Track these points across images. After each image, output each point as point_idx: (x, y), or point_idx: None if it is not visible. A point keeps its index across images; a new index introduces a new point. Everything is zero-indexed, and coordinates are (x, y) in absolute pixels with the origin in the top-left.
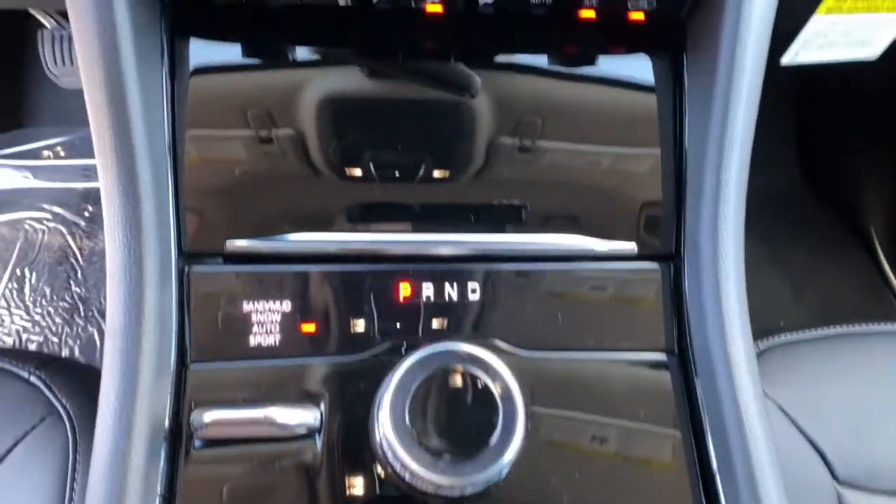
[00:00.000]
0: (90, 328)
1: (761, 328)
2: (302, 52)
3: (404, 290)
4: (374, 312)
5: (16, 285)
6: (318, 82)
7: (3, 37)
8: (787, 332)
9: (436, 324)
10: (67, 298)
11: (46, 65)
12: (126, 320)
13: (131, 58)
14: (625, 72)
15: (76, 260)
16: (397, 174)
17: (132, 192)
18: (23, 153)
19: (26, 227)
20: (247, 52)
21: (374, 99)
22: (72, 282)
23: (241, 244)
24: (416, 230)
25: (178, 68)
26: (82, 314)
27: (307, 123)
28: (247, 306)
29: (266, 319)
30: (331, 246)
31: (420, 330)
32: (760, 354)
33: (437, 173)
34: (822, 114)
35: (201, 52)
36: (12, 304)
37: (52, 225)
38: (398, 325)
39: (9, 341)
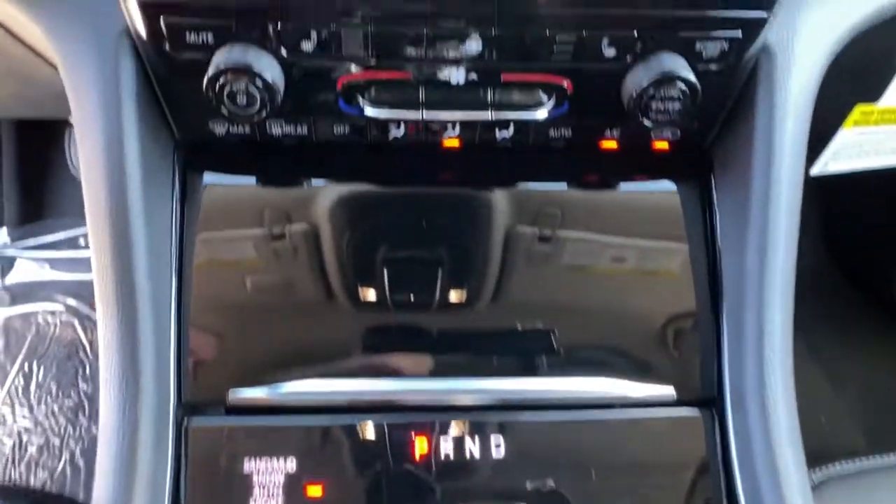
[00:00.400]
0: (94, 428)
1: (812, 447)
2: (315, 186)
3: (420, 446)
4: (388, 474)
5: (22, 381)
6: (330, 220)
7: (33, 133)
8: (843, 461)
9: (456, 488)
10: (73, 395)
11: (71, 161)
12: (115, 487)
13: (139, 201)
14: (649, 196)
15: (85, 354)
16: (411, 312)
17: (132, 343)
18: (42, 245)
19: (39, 319)
20: (259, 187)
21: (386, 234)
22: (79, 378)
23: (244, 395)
24: (432, 375)
25: (188, 206)
26: (86, 412)
27: (318, 264)
28: (248, 465)
29: (268, 481)
30: (340, 396)
31: (439, 496)
32: (816, 488)
33: (453, 310)
34: (848, 197)
35: (214, 187)
36: (16, 401)
37: (64, 318)
38: (414, 489)
39: (8, 443)
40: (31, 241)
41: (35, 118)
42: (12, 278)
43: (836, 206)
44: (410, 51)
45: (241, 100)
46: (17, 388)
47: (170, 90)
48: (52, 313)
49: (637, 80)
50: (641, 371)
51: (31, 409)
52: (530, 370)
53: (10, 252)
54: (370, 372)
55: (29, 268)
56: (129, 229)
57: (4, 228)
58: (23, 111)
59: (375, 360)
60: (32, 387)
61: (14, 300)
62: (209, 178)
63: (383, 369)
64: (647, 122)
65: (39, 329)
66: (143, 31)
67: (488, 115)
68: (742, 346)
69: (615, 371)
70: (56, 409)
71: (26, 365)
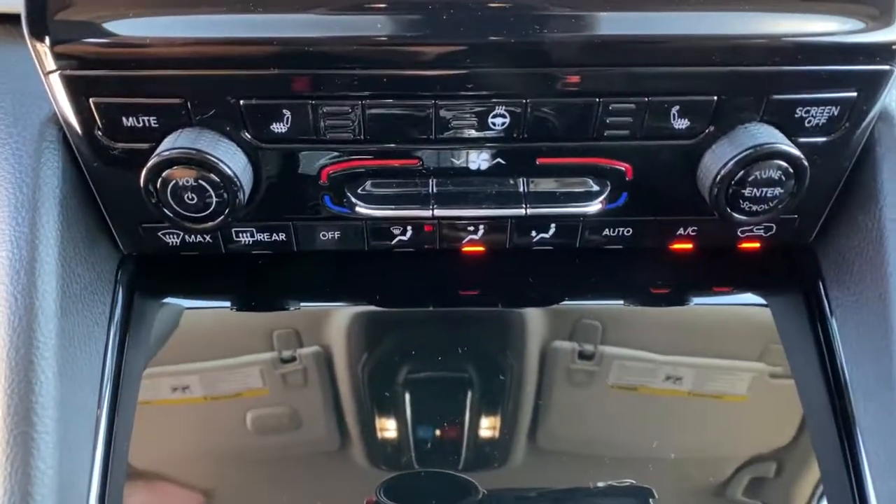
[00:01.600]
0: None
1: None
2: (301, 309)
3: None
4: None
5: None
6: (318, 365)
7: None
8: None
9: None
10: None
11: None
12: None
13: (52, 342)
14: (739, 321)
15: None
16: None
17: None
18: None
19: None
20: (232, 311)
21: (405, 371)
22: None
23: None
24: None
25: (132, 336)
26: None
27: (313, 419)
28: None
29: None
30: None
31: None
32: None
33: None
34: None
35: (167, 312)
36: None
37: None
38: None
39: None
40: None
41: None
42: None
43: None
44: (415, 130)
45: (190, 198)
46: None
47: (108, 191)
48: None
49: (719, 159)
50: None
51: None
52: None
53: None
54: None
55: None
56: (31, 394)
57: None
58: None
59: None
60: None
61: None
62: (163, 300)
63: None
64: (736, 216)
65: None
66: (70, 116)
67: (521, 211)
68: None
69: None
70: None
71: None
